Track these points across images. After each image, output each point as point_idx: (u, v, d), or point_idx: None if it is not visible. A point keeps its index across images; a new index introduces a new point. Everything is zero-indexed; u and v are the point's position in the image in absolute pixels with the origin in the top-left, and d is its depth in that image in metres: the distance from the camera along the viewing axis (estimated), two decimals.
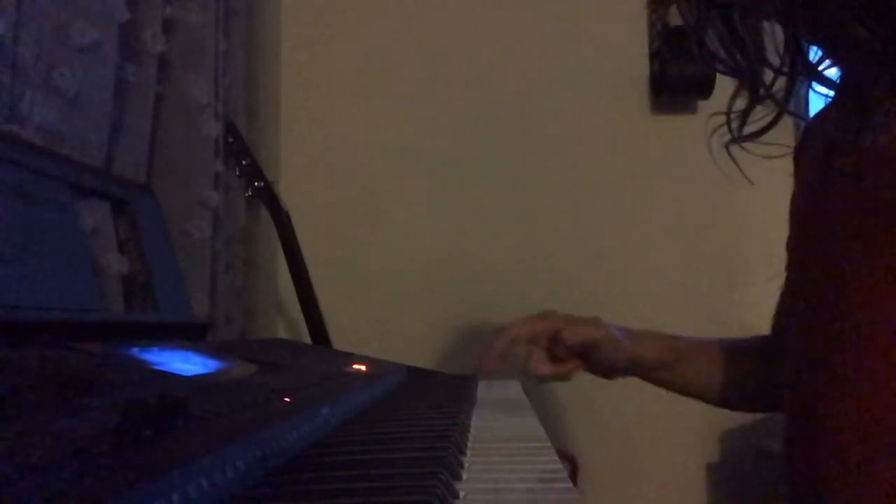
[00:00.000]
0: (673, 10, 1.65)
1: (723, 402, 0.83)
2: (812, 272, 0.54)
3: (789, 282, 0.64)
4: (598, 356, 0.83)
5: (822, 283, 0.52)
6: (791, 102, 0.59)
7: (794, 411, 0.54)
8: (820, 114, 0.61)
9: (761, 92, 0.58)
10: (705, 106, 1.68)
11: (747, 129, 0.61)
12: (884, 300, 0.46)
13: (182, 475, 0.30)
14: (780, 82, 0.59)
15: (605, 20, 1.73)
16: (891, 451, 0.45)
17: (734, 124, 0.61)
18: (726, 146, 0.62)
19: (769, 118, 0.60)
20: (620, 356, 0.82)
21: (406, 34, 1.75)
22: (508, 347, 0.86)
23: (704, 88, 1.62)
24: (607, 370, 0.85)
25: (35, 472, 0.27)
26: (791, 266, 0.62)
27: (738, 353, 0.80)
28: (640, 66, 1.73)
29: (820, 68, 0.56)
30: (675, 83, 1.67)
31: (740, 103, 0.61)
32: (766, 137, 0.61)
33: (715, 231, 1.70)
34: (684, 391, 0.84)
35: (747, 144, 0.62)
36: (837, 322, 0.49)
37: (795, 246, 0.58)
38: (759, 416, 1.52)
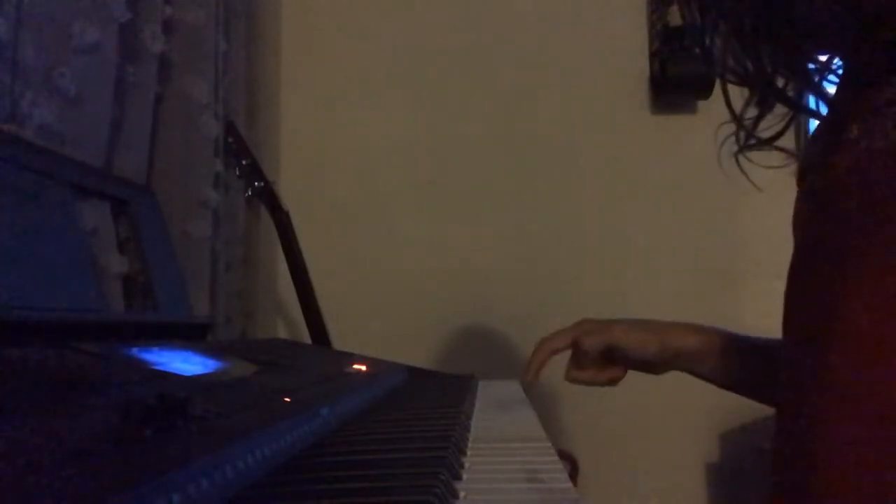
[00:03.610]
0: (673, 10, 1.65)
1: (762, 398, 0.81)
2: (804, 279, 0.54)
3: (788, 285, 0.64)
4: (625, 355, 0.84)
5: (816, 298, 0.52)
6: (797, 115, 0.59)
7: (785, 411, 0.54)
8: (816, 129, 0.62)
9: (771, 100, 0.58)
10: (705, 106, 1.68)
11: (752, 138, 0.61)
12: (867, 319, 0.46)
13: (182, 475, 0.30)
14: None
15: (606, 20, 1.73)
16: (879, 456, 0.45)
17: (742, 133, 0.61)
18: (735, 155, 0.62)
19: (778, 126, 0.60)
20: (648, 351, 0.82)
21: (406, 34, 1.76)
22: (547, 358, 0.87)
23: (704, 88, 1.63)
24: (643, 367, 0.85)
25: (35, 472, 0.27)
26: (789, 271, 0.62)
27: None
28: (640, 66, 1.73)
29: (823, 79, 0.56)
30: (675, 83, 1.67)
31: (737, 109, 0.60)
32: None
33: (715, 231, 1.70)
34: (730, 386, 0.83)
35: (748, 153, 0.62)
36: (828, 325, 0.49)
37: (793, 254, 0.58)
38: (759, 416, 1.52)
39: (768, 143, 0.60)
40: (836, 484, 0.46)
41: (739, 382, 0.82)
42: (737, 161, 0.62)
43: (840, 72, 0.55)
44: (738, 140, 0.61)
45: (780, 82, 0.57)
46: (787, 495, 0.52)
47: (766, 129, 0.60)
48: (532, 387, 0.89)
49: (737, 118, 0.59)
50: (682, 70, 1.65)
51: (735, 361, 0.80)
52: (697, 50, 0.60)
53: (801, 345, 0.52)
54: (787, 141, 0.63)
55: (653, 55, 1.72)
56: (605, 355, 0.86)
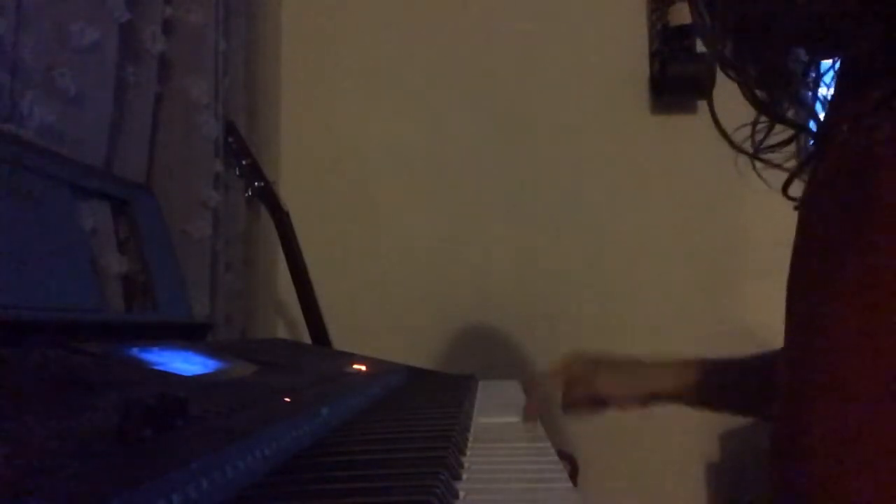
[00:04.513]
0: (673, 10, 1.65)
1: (755, 415, 0.85)
2: (799, 281, 0.55)
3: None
4: (612, 403, 0.89)
5: (807, 298, 0.52)
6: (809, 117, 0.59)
7: (779, 402, 0.55)
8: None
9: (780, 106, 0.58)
10: (705, 106, 1.67)
11: (760, 141, 0.61)
12: (852, 317, 0.46)
13: (182, 475, 0.30)
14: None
15: (605, 20, 1.73)
16: (861, 463, 0.45)
17: (757, 137, 0.61)
18: (751, 158, 0.62)
19: (788, 132, 0.60)
20: (627, 400, 0.88)
21: (406, 34, 1.75)
22: (545, 400, 0.91)
23: (704, 88, 1.62)
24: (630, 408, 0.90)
25: (35, 471, 0.27)
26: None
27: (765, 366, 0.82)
28: (640, 66, 1.73)
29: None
30: (675, 83, 1.67)
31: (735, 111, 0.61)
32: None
33: (715, 230, 1.70)
34: (718, 410, 0.88)
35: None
36: (817, 333, 0.49)
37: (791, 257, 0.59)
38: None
39: (780, 146, 0.61)
40: (832, 483, 0.47)
41: (728, 408, 0.86)
42: (753, 165, 0.63)
43: (830, 77, 0.55)
44: (753, 142, 0.61)
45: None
46: (785, 494, 0.52)
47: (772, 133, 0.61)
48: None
49: (723, 132, 0.60)
50: (682, 70, 1.64)
51: (717, 392, 0.85)
52: (707, 50, 0.60)
53: (797, 346, 0.53)
54: (789, 147, 0.63)
55: (653, 55, 1.72)
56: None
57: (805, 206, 0.56)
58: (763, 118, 0.60)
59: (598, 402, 0.90)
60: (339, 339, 1.38)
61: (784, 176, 0.65)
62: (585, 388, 0.89)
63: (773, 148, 0.61)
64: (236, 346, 1.04)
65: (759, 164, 0.62)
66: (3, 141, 0.71)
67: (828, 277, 0.49)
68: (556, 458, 0.50)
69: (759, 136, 0.61)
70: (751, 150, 0.61)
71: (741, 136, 0.62)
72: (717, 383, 0.84)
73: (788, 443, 0.51)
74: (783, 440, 0.53)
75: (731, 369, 0.84)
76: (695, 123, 1.70)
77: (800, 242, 0.56)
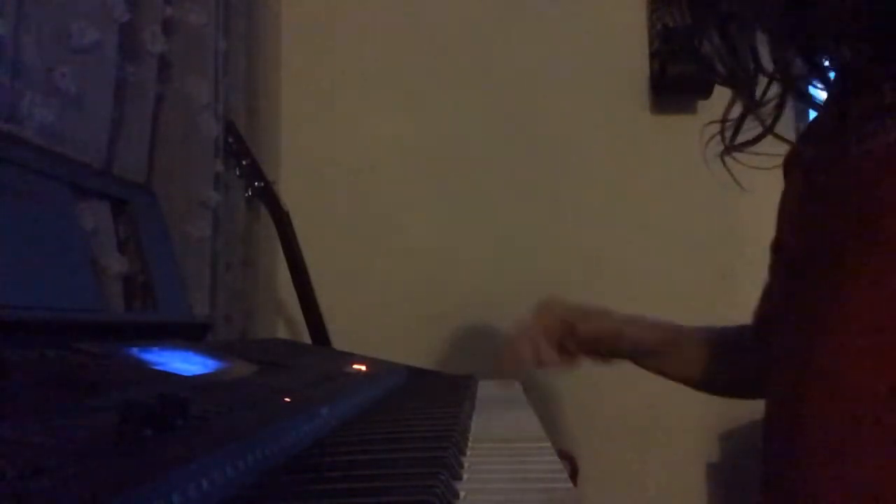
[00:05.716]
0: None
1: (706, 387, 0.87)
2: (800, 276, 0.55)
3: (776, 282, 0.65)
4: (604, 347, 0.90)
5: (807, 300, 0.52)
6: (782, 113, 0.60)
7: (774, 401, 0.55)
8: (808, 127, 0.62)
9: (756, 99, 0.58)
10: (705, 106, 1.68)
11: (741, 138, 0.62)
12: (857, 319, 0.46)
13: (182, 475, 0.30)
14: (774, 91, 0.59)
15: (605, 20, 1.73)
16: (860, 463, 0.45)
17: (728, 133, 0.61)
18: (721, 155, 0.63)
19: (762, 128, 0.61)
20: (623, 345, 0.88)
21: (406, 34, 1.75)
22: (529, 350, 0.90)
23: (704, 88, 1.62)
24: (608, 357, 0.91)
25: (35, 471, 0.27)
26: (779, 267, 0.63)
27: (725, 341, 0.84)
28: (640, 66, 1.73)
29: (808, 82, 0.56)
30: (675, 83, 1.67)
31: (733, 111, 0.61)
32: (761, 147, 0.62)
33: (714, 231, 1.70)
34: (670, 377, 0.90)
35: (741, 153, 0.63)
36: (818, 335, 0.49)
37: (786, 250, 0.58)
38: (759, 416, 1.52)
39: (751, 143, 0.61)
40: (830, 484, 0.47)
41: (683, 377, 0.88)
42: (722, 161, 0.63)
43: (839, 75, 0.55)
44: (723, 139, 0.62)
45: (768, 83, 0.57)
46: (780, 490, 0.52)
47: (754, 128, 0.61)
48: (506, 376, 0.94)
49: (748, 112, 0.60)
50: (682, 70, 1.64)
51: (685, 359, 0.86)
52: (690, 51, 0.61)
53: (795, 347, 0.53)
54: (778, 141, 0.63)
55: (653, 55, 1.72)
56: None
57: (804, 208, 0.56)
58: (731, 116, 0.60)
59: (573, 353, 0.91)
60: (339, 339, 1.38)
61: (780, 174, 0.65)
62: (565, 335, 0.90)
63: (745, 144, 0.61)
64: (236, 346, 1.04)
65: (749, 166, 0.63)
66: (3, 141, 0.71)
67: (830, 280, 0.48)
68: (556, 458, 0.50)
69: (728, 133, 0.61)
70: (745, 142, 0.62)
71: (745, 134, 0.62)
72: (694, 351, 0.86)
73: (785, 442, 0.51)
74: (779, 440, 0.53)
75: (711, 338, 0.86)
76: (695, 123, 1.68)
77: (799, 244, 0.56)
